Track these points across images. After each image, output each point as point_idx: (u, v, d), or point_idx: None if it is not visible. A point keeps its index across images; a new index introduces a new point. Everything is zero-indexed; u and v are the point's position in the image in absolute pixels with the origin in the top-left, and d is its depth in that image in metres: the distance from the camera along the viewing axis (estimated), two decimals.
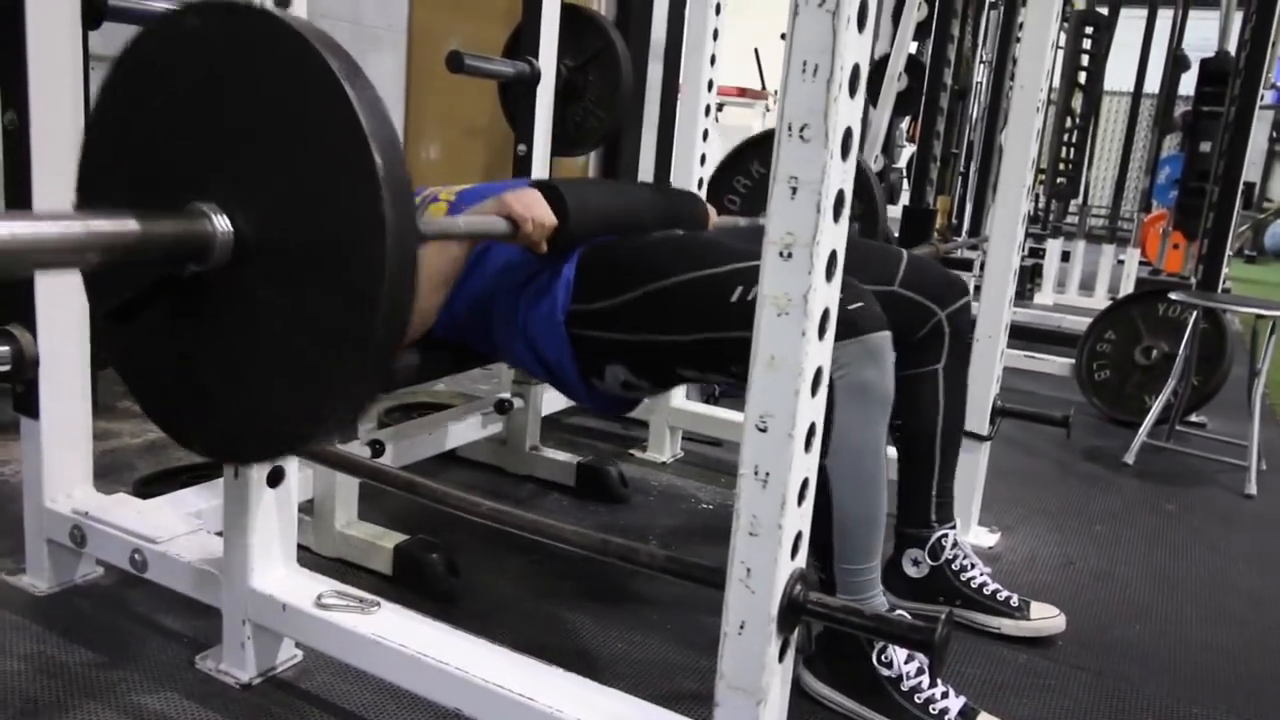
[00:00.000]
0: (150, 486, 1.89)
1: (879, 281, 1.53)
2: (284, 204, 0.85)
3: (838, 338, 1.20)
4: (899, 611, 1.24)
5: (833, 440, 1.24)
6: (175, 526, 1.45)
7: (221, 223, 0.85)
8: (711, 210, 1.73)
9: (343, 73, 0.79)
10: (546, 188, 1.39)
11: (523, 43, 2.18)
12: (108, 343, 1.02)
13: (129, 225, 0.81)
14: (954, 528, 1.66)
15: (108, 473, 1.97)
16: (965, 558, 1.66)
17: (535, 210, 1.35)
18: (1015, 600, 1.66)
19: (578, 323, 1.41)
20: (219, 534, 1.35)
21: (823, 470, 1.24)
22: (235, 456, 1.12)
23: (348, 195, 0.80)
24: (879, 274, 1.55)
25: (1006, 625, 1.64)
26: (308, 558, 1.64)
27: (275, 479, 1.30)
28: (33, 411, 1.46)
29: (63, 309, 1.44)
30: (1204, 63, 4.59)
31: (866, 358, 1.22)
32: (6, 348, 1.41)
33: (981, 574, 1.67)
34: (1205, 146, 4.42)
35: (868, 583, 1.32)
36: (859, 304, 1.23)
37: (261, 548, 1.30)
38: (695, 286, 1.32)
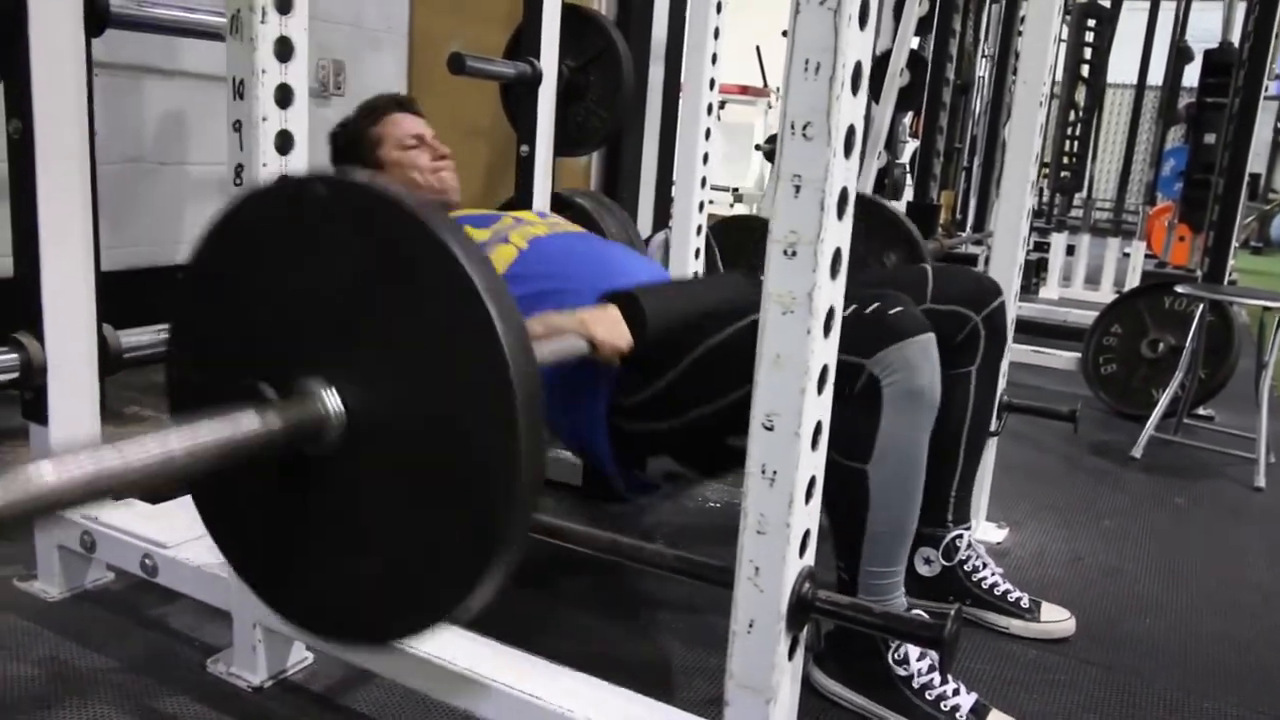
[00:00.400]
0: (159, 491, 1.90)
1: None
2: (400, 386, 0.80)
3: (884, 344, 1.20)
4: (916, 611, 1.24)
5: (877, 446, 1.23)
6: (185, 531, 1.45)
7: (333, 402, 0.81)
8: None
9: (463, 253, 0.75)
10: (629, 303, 1.31)
11: (524, 44, 2.18)
12: (205, 515, 0.97)
13: (251, 425, 0.76)
14: (969, 528, 1.66)
15: None
16: (978, 558, 1.66)
17: (615, 335, 1.28)
18: (1026, 601, 1.65)
19: (621, 415, 1.38)
20: None
21: (863, 476, 1.24)
22: (340, 638, 1.04)
23: (475, 396, 0.76)
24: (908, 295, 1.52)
25: (1016, 626, 1.64)
26: None
27: None
28: (41, 418, 1.47)
29: (71, 316, 1.45)
30: (1208, 54, 4.58)
31: (915, 362, 1.21)
32: (15, 355, 1.41)
33: (993, 574, 1.66)
34: (1210, 138, 4.40)
35: (891, 585, 1.32)
36: (899, 309, 1.22)
37: None
38: (727, 342, 1.29)
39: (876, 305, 1.23)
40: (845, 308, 1.20)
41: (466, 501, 0.79)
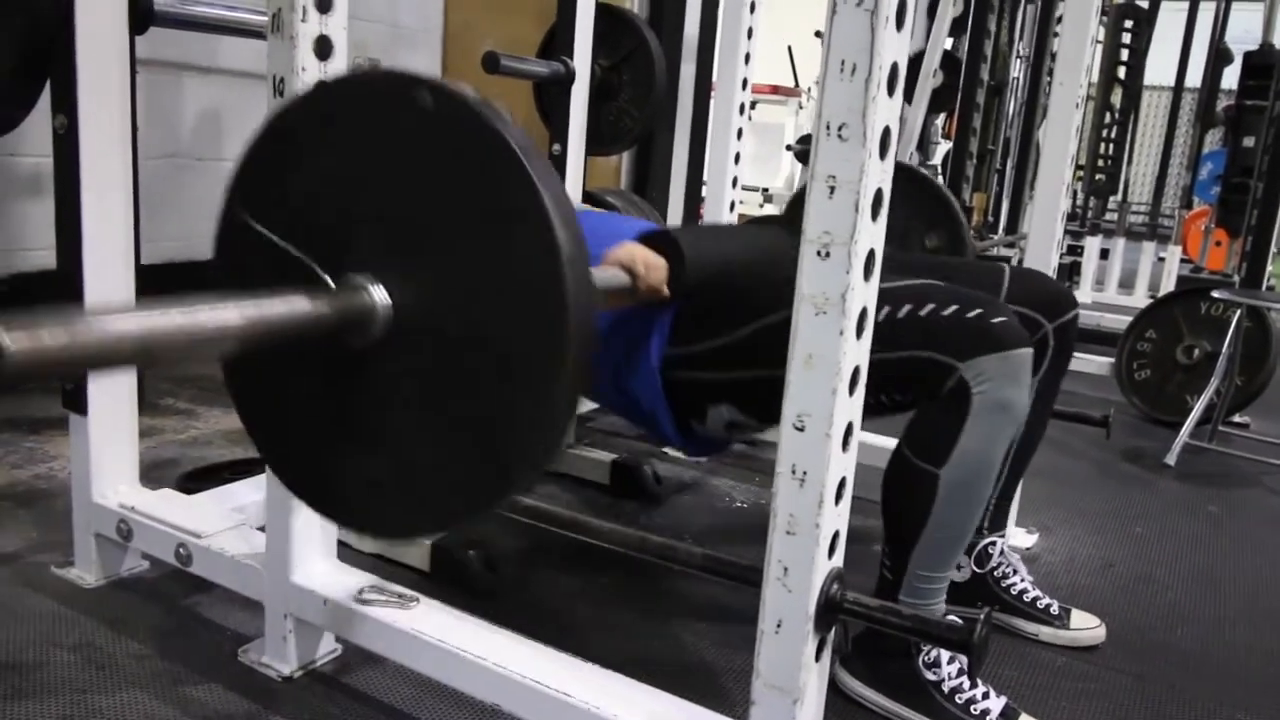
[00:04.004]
0: (194, 482, 1.93)
1: None
2: (448, 281, 0.81)
3: (981, 351, 1.18)
4: (950, 617, 1.23)
5: (955, 452, 1.21)
6: (218, 522, 1.48)
7: (380, 295, 0.82)
8: None
9: (526, 154, 0.76)
10: (663, 239, 1.32)
11: (557, 43, 2.19)
12: (241, 402, 0.97)
13: (301, 306, 0.78)
14: (1003, 535, 1.65)
15: (152, 469, 2.00)
16: (1008, 565, 1.65)
17: (640, 253, 1.28)
18: (1056, 608, 1.64)
19: (677, 366, 1.37)
20: (261, 529, 1.38)
21: (934, 479, 1.22)
22: (360, 528, 1.07)
23: (525, 282, 0.76)
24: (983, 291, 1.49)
25: (1045, 633, 1.63)
26: (347, 553, 1.65)
27: None
28: (81, 409, 1.49)
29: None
30: (1247, 56, 4.50)
31: (1009, 374, 1.19)
32: None
33: (1023, 581, 1.65)
34: (1249, 141, 4.33)
35: (936, 591, 1.31)
36: (1002, 318, 1.20)
37: (303, 543, 1.32)
38: None
39: (980, 311, 1.20)
40: (944, 306, 1.19)
41: (499, 418, 0.79)
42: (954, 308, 1.20)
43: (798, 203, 2.22)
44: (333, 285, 0.83)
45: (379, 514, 0.91)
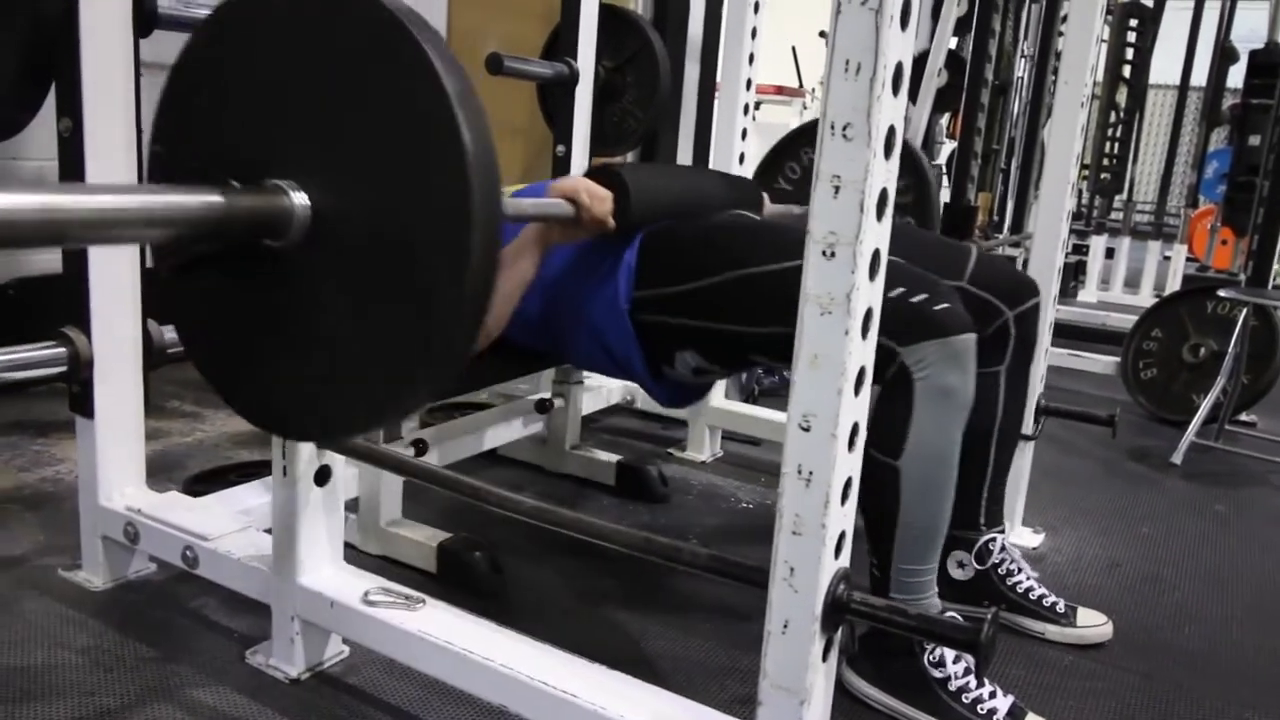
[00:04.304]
0: (200, 485, 1.93)
1: (946, 278, 1.50)
2: (365, 183, 0.84)
3: (922, 337, 1.19)
4: (948, 613, 1.23)
5: (908, 441, 1.22)
6: (225, 524, 1.48)
7: (300, 199, 0.85)
8: (765, 197, 1.72)
9: (435, 54, 0.78)
10: (598, 172, 1.38)
11: (561, 44, 2.19)
12: (175, 304, 1.01)
13: (213, 199, 0.81)
14: (1002, 531, 1.64)
15: (159, 471, 2.01)
16: (1012, 562, 1.64)
17: (587, 185, 1.35)
18: (1062, 606, 1.64)
19: (644, 309, 1.40)
20: (268, 531, 1.38)
21: (894, 470, 1.23)
22: (284, 431, 1.11)
23: (433, 178, 0.79)
24: (947, 270, 1.48)
25: (1052, 631, 1.62)
26: (353, 555, 1.66)
27: (323, 478, 1.32)
28: (88, 411, 1.50)
29: (116, 311, 1.48)
30: (1253, 54, 4.49)
31: (951, 360, 1.21)
32: (63, 349, 1.44)
33: (1028, 579, 1.65)
34: (1254, 140, 4.32)
35: (924, 584, 1.31)
36: (945, 304, 1.21)
37: (309, 545, 1.32)
38: (777, 277, 1.28)
39: (924, 297, 1.21)
40: (891, 286, 1.19)
41: (418, 299, 0.81)
42: (899, 290, 1.20)
43: (774, 158, 2.23)
44: (241, 187, 0.85)
45: (309, 416, 0.93)
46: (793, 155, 2.21)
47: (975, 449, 1.58)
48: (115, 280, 1.47)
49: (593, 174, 1.39)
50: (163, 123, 0.97)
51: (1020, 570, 1.65)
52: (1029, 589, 1.64)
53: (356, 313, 0.86)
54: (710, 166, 3.02)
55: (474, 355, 0.85)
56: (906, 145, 2.18)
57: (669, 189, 1.47)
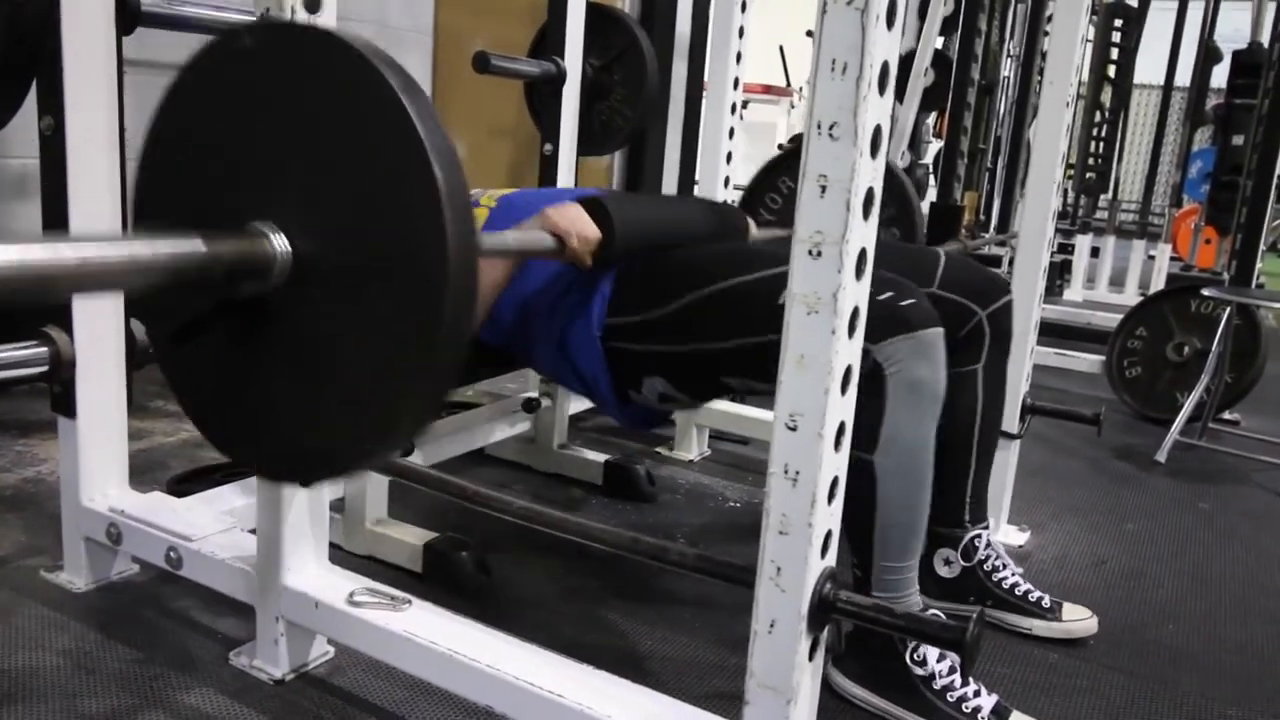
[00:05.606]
0: (184, 485, 1.92)
1: (917, 284, 1.51)
2: (342, 222, 0.83)
3: (890, 334, 1.20)
4: (932, 611, 1.23)
5: (882, 437, 1.23)
6: (209, 525, 1.47)
7: (280, 242, 0.84)
8: (751, 223, 1.73)
9: (400, 88, 0.78)
10: (590, 203, 1.37)
11: (548, 42, 2.18)
12: (164, 365, 1.00)
13: (195, 246, 0.80)
14: (987, 528, 1.65)
15: (142, 471, 2.00)
16: (997, 558, 1.65)
17: (579, 225, 1.33)
18: (1047, 601, 1.64)
19: (615, 336, 1.40)
20: (252, 532, 1.37)
21: (870, 466, 1.24)
22: (294, 477, 1.09)
23: (408, 211, 0.79)
24: (916, 277, 1.49)
25: (1038, 626, 1.63)
26: (339, 555, 1.65)
27: None
28: (70, 411, 1.48)
29: (99, 310, 1.46)
30: (1236, 55, 4.52)
31: (919, 354, 1.22)
32: (44, 349, 1.43)
33: (1014, 575, 1.65)
34: (1238, 140, 4.35)
35: (904, 581, 1.31)
36: (911, 300, 1.23)
37: (294, 545, 1.32)
38: (741, 290, 1.30)
39: (890, 294, 1.23)
40: None
41: (405, 322, 0.81)
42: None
43: (756, 186, 2.23)
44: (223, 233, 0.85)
45: (317, 458, 0.92)
46: (771, 187, 2.21)
47: (957, 446, 1.60)
48: None
49: (585, 203, 1.37)
50: (143, 177, 0.97)
51: (1006, 566, 1.66)
52: (1014, 584, 1.64)
53: (345, 349, 0.85)
54: (690, 177, 3.02)
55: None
56: (895, 175, 2.20)
57: (652, 221, 1.47)
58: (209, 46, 0.90)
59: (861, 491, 1.26)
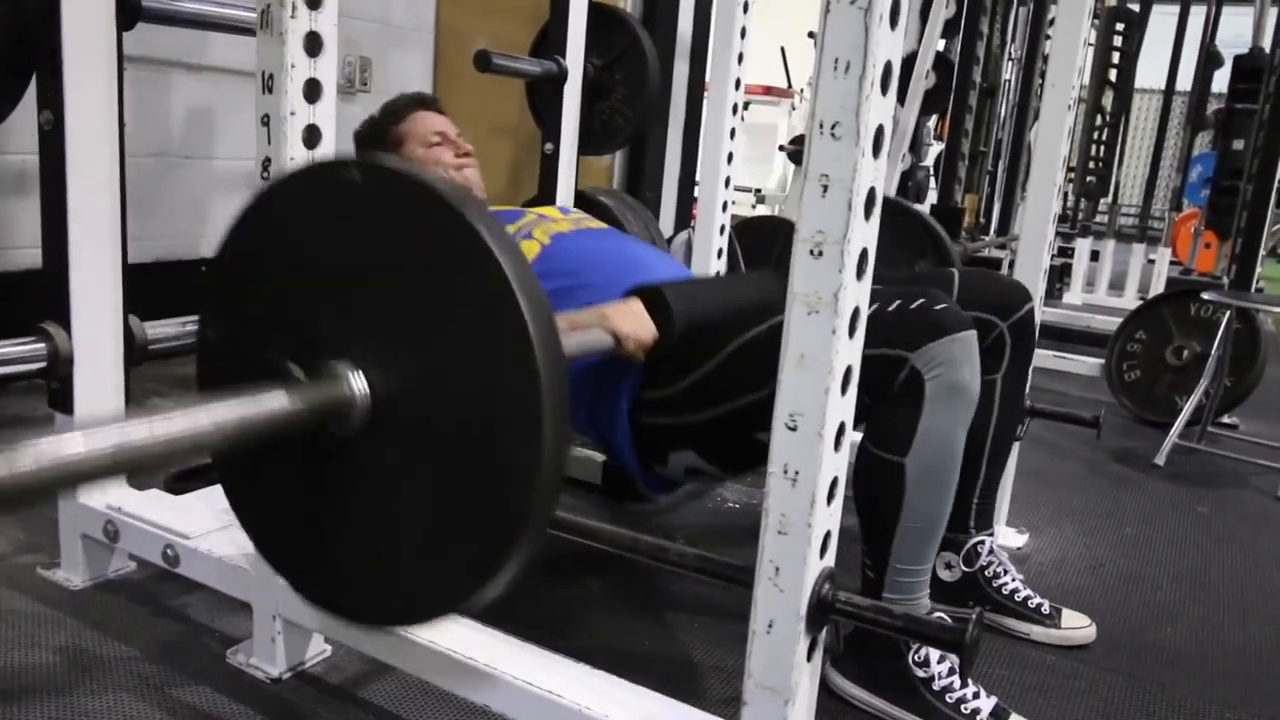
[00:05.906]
0: (181, 483, 1.90)
1: None
2: (425, 371, 0.81)
3: (929, 339, 1.21)
4: (935, 613, 1.23)
5: (916, 439, 1.23)
6: (206, 522, 1.47)
7: (359, 384, 0.82)
8: None
9: (491, 237, 0.76)
10: (652, 296, 1.33)
11: (550, 41, 2.19)
12: (229, 492, 0.98)
13: (280, 401, 0.78)
14: (991, 535, 1.65)
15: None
16: (998, 564, 1.65)
17: (638, 330, 1.30)
18: (1047, 607, 1.64)
19: (646, 411, 1.39)
20: None
21: (900, 469, 1.24)
22: (352, 618, 1.04)
23: (500, 361, 0.77)
24: None
25: (1037, 632, 1.63)
26: None
27: None
28: (67, 408, 1.48)
29: (98, 307, 1.46)
30: (1237, 59, 4.52)
31: (959, 357, 1.22)
32: (43, 345, 1.43)
33: (1014, 580, 1.65)
34: (1238, 144, 4.35)
35: (917, 584, 1.31)
36: (943, 305, 1.24)
37: None
38: (773, 332, 1.29)
39: (922, 301, 1.23)
40: (888, 303, 1.22)
41: (488, 491, 0.79)
42: (897, 303, 1.23)
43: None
44: (303, 378, 0.83)
45: (392, 603, 0.90)
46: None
47: (969, 453, 1.57)
48: (97, 275, 1.45)
49: (638, 292, 1.34)
50: (211, 303, 0.94)
51: (1006, 572, 1.65)
52: (1014, 590, 1.64)
53: (426, 493, 0.83)
54: (690, 177, 2.96)
55: None
56: (924, 220, 2.14)
57: (711, 315, 1.40)
58: (312, 169, 0.89)
59: (889, 493, 1.26)
